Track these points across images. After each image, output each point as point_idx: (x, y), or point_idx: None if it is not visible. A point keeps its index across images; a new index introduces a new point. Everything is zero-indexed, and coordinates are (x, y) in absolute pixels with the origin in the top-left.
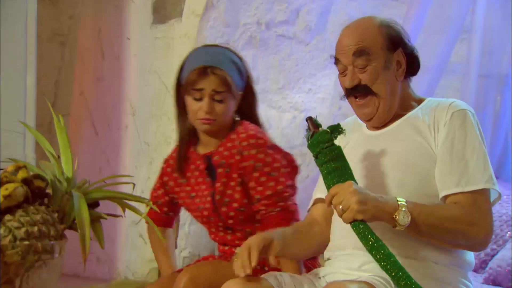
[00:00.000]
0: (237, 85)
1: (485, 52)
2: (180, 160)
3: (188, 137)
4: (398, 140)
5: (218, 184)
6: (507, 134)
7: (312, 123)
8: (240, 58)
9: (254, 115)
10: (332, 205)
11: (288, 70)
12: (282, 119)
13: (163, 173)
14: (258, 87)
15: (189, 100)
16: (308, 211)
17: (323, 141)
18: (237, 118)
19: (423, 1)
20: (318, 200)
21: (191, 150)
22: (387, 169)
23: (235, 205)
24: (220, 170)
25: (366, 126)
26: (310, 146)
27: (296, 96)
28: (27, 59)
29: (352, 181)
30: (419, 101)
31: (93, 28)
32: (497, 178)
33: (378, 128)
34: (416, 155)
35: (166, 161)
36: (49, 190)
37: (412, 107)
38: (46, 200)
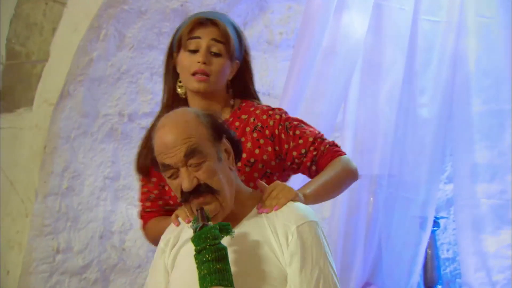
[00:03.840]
0: (235, 47)
1: (357, 150)
2: None
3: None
4: (245, 251)
5: None
6: (380, 238)
7: (203, 214)
8: (238, 29)
9: (251, 92)
10: None
11: None
12: None
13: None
14: (119, 184)
15: (183, 56)
16: None
17: (212, 237)
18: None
19: (294, 96)
20: None
21: None
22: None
23: None
24: None
25: None
26: (195, 239)
27: None
28: None
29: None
30: (255, 195)
31: None
32: (370, 284)
33: None
34: (266, 274)
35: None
36: None
37: (250, 205)
38: None
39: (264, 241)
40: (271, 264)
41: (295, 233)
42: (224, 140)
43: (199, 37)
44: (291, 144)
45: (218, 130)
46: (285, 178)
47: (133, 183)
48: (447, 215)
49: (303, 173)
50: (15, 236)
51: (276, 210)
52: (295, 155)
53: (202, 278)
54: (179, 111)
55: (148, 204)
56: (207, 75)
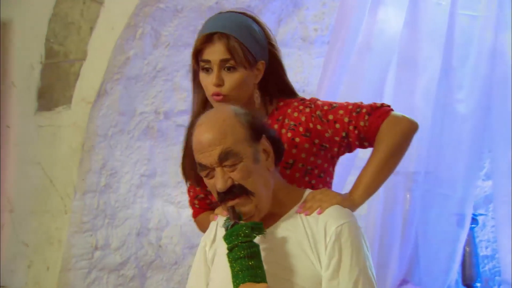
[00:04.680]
0: (252, 52)
1: None
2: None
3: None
4: (277, 250)
5: None
6: (417, 235)
7: (234, 212)
8: (259, 23)
9: (285, 86)
10: None
11: None
12: (181, 215)
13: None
14: (155, 181)
15: (201, 75)
16: None
17: (244, 234)
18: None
19: (329, 93)
20: None
21: None
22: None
23: None
24: None
25: None
26: (227, 237)
27: None
28: None
29: (268, 285)
30: (296, 195)
31: None
32: (407, 282)
33: None
34: (299, 277)
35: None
36: None
37: (289, 205)
38: None
39: (298, 241)
40: (303, 265)
41: (333, 235)
42: (263, 140)
43: (208, 61)
44: (330, 131)
45: (256, 130)
46: (331, 165)
47: (169, 180)
48: (486, 212)
49: (360, 148)
50: (55, 232)
51: (319, 214)
52: (338, 140)
53: (235, 276)
54: (218, 109)
55: (196, 202)
56: (223, 95)
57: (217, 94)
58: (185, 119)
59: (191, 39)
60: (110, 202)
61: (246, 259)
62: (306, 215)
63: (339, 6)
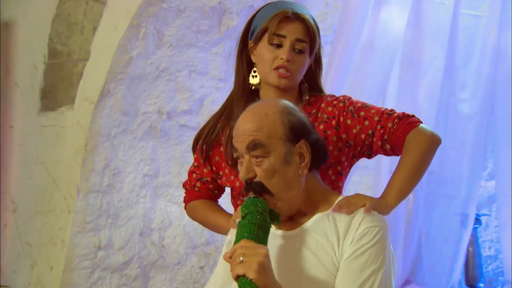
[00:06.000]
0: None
1: None
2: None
3: (244, 97)
4: (305, 249)
5: None
6: (420, 235)
7: (259, 192)
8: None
9: (319, 81)
10: (230, 257)
11: (191, 163)
12: (184, 215)
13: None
14: (158, 181)
15: (264, 48)
16: None
17: (261, 208)
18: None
19: (332, 93)
20: None
21: None
22: (284, 277)
23: None
24: None
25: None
26: (245, 204)
27: None
28: None
29: (267, 248)
30: (330, 197)
31: None
32: (411, 282)
33: (286, 228)
34: (324, 275)
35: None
36: None
37: (323, 207)
38: None
39: (328, 242)
40: (330, 266)
41: (362, 233)
42: (302, 144)
43: (284, 36)
44: (358, 127)
45: (296, 132)
46: (349, 165)
47: (171, 180)
48: (489, 212)
49: (379, 153)
50: (58, 232)
51: (363, 211)
52: (363, 137)
53: (240, 237)
54: (269, 101)
55: (198, 184)
56: (290, 73)
57: (286, 69)
58: (188, 119)
59: (194, 39)
60: (113, 202)
61: (255, 226)
62: (347, 213)
63: (342, 6)
